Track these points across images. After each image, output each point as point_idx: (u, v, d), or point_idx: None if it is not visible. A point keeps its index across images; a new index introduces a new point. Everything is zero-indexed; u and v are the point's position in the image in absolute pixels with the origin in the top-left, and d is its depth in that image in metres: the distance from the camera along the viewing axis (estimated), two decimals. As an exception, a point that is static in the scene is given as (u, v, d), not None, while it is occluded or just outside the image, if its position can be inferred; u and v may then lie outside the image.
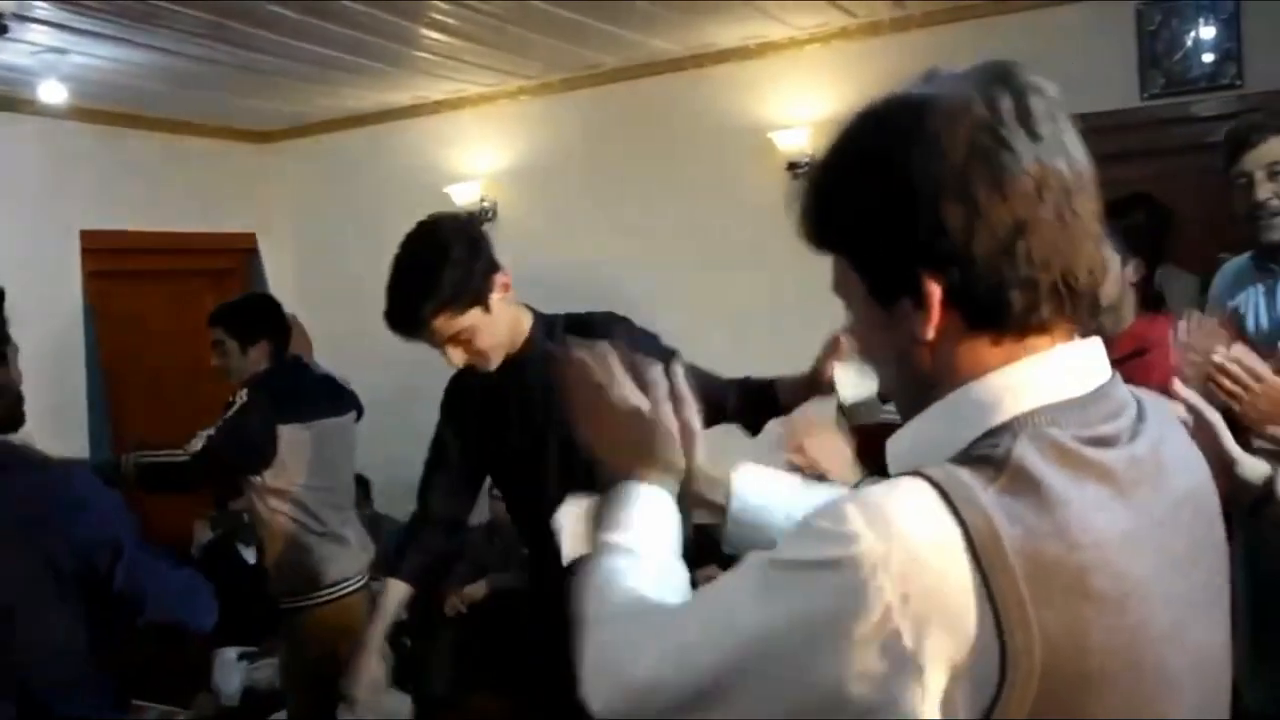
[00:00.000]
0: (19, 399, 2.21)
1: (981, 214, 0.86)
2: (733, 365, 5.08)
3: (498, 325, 2.33)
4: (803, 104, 4.70)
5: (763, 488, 1.30)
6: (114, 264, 4.87)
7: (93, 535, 2.05)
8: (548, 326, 2.48)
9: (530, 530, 2.47)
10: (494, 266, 2.35)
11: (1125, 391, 0.96)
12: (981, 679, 0.81)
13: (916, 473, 0.86)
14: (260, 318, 3.61)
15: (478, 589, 5.10)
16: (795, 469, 1.90)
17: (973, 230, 0.87)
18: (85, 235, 4.74)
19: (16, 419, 2.18)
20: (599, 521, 1.17)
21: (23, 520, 1.99)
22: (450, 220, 2.41)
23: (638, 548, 1.10)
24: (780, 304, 4.90)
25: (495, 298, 2.33)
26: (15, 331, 4.58)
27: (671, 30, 4.45)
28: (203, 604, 2.30)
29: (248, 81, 4.60)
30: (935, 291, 0.89)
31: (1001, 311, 0.89)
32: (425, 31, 4.16)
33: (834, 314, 3.95)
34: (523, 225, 5.35)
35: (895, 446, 0.99)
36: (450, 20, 4.02)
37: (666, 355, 1.90)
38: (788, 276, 4.84)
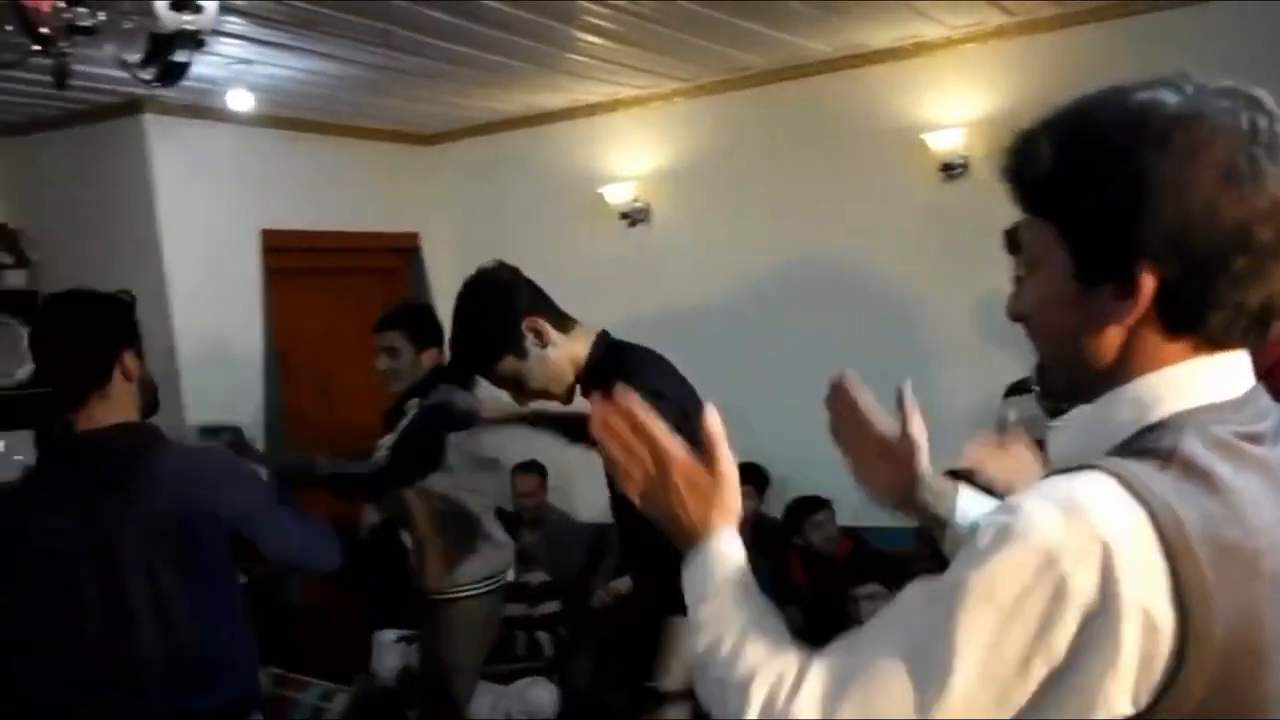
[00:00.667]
0: (155, 389, 2.44)
1: (1217, 224, 0.91)
2: (883, 365, 5.08)
3: (537, 368, 2.45)
4: (958, 104, 4.67)
5: (982, 506, 1.35)
6: (289, 262, 5.13)
7: (237, 507, 2.26)
8: (609, 353, 2.57)
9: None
10: (518, 318, 2.47)
11: (1267, 397, 1.00)
12: (1162, 659, 0.86)
13: (1090, 466, 0.91)
14: (433, 323, 3.70)
15: (623, 583, 5.19)
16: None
17: (1204, 238, 0.91)
18: (265, 234, 5.02)
19: (154, 406, 2.42)
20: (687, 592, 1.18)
21: (174, 497, 2.19)
22: (474, 280, 2.61)
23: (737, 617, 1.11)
24: (932, 304, 4.88)
25: (529, 344, 2.45)
26: (201, 324, 4.93)
27: (824, 31, 4.47)
28: (322, 547, 2.44)
29: (412, 86, 4.79)
30: (1149, 284, 0.93)
31: (1202, 318, 0.94)
32: (581, 35, 4.27)
33: (983, 312, 3.97)
34: (676, 226, 5.44)
35: (1059, 435, 1.04)
36: (605, 24, 4.12)
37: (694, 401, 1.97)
38: (939, 277, 4.82)
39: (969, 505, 1.35)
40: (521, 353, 2.42)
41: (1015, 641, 0.88)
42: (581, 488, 5.80)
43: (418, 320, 3.67)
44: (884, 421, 1.40)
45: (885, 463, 1.38)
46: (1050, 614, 0.87)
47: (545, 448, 3.98)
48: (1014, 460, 1.96)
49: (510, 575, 5.10)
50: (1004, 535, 0.89)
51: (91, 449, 2.23)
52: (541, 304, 2.52)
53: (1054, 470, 0.97)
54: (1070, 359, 1.02)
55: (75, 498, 2.20)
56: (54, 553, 2.19)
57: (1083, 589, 0.86)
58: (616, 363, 2.46)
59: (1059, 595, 0.86)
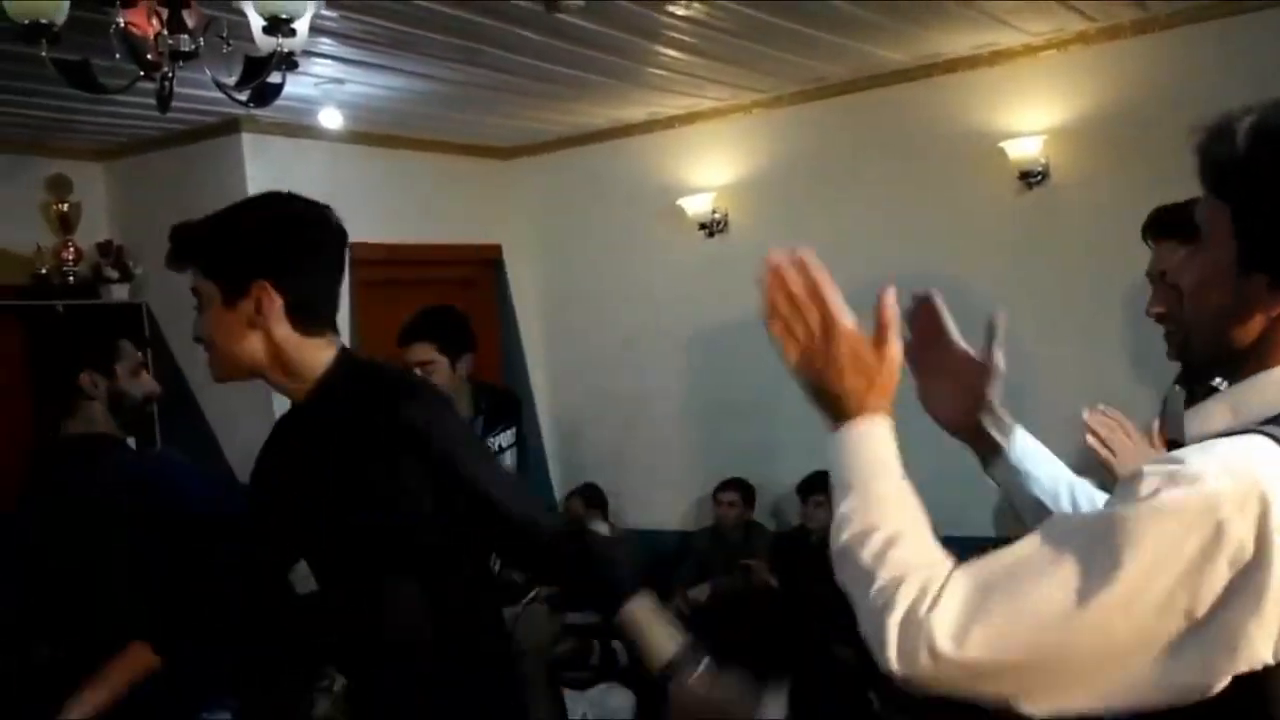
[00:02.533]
0: (135, 402, 2.74)
1: None
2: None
3: (224, 327, 1.95)
4: (1037, 112, 4.64)
5: (1036, 449, 1.42)
6: (377, 274, 5.27)
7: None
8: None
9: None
10: (252, 270, 1.87)
11: None
12: None
13: (1248, 430, 0.98)
14: (461, 326, 3.44)
15: (701, 591, 5.22)
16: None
17: None
18: (354, 247, 5.16)
19: (137, 418, 2.77)
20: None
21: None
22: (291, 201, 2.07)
23: (892, 516, 1.10)
24: (1010, 313, 4.84)
25: (243, 303, 1.89)
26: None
27: (901, 41, 4.48)
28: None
29: (496, 102, 4.90)
30: None
31: None
32: (661, 49, 4.33)
33: (1061, 320, 3.95)
34: (754, 236, 5.47)
35: (1204, 412, 1.10)
36: (685, 38, 4.18)
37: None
38: (1018, 285, 4.79)
39: (1025, 441, 1.41)
40: (231, 302, 1.86)
41: (1164, 579, 0.92)
42: (652, 496, 5.86)
43: (444, 326, 3.37)
44: (963, 343, 1.47)
45: (955, 384, 1.43)
46: (1203, 558, 0.92)
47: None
48: (1127, 440, 2.01)
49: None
50: (1170, 479, 0.94)
51: (47, 456, 2.65)
52: (304, 284, 1.85)
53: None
54: (1214, 336, 1.08)
55: (35, 499, 2.62)
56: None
57: (1238, 537, 0.91)
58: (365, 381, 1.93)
59: (1215, 540, 0.91)
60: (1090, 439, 2.03)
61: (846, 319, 1.18)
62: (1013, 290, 4.81)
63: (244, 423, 4.88)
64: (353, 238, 5.76)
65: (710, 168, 5.55)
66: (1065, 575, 0.95)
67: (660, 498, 5.79)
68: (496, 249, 5.99)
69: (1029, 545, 1.00)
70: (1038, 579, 0.96)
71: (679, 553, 5.52)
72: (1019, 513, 1.40)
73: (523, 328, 6.05)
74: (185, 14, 2.63)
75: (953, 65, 4.79)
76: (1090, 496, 1.38)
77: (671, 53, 4.40)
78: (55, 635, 2.58)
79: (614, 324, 5.91)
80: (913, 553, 1.05)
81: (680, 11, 3.85)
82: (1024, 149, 4.62)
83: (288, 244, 1.85)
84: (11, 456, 4.80)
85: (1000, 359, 1.39)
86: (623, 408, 5.93)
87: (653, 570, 5.52)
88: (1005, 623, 0.96)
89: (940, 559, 1.05)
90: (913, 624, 0.99)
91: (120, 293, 5.01)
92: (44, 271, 4.86)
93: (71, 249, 4.93)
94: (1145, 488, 0.95)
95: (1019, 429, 1.41)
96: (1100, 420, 2.04)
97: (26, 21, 2.48)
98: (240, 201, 1.98)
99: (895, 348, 1.19)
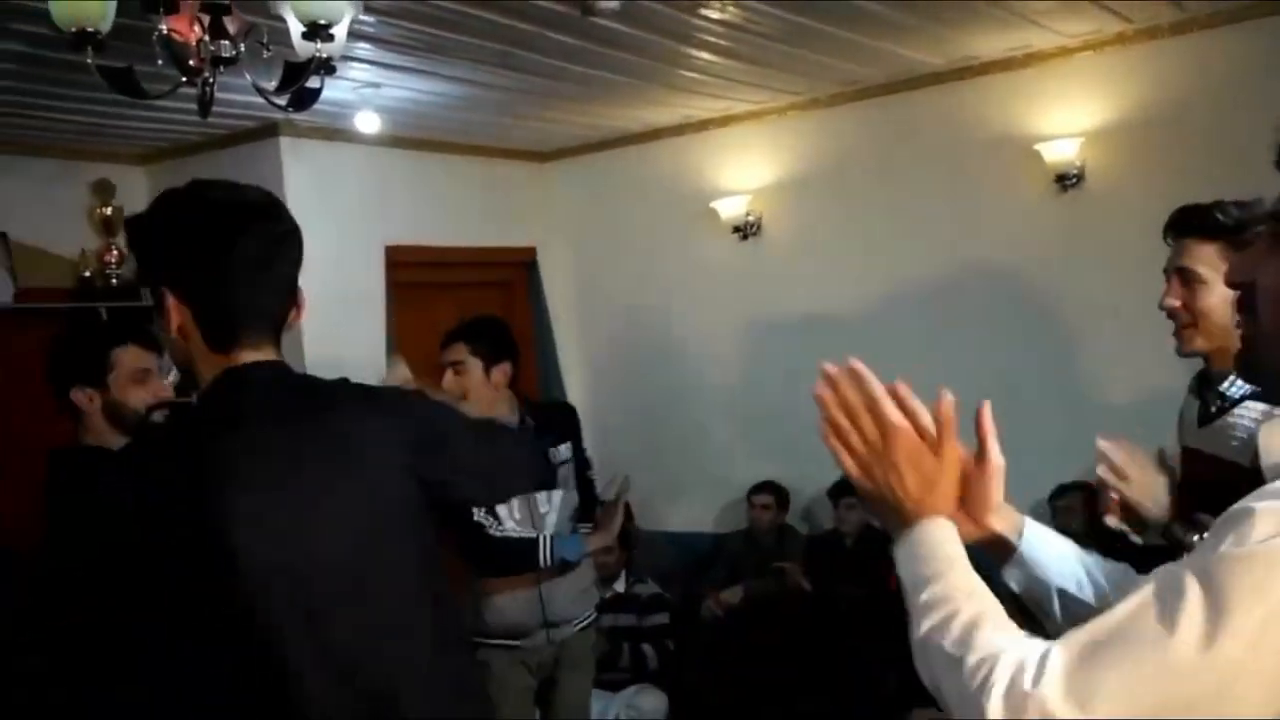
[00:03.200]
0: (131, 413, 2.52)
1: None
2: (994, 377, 5.06)
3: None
4: (1073, 114, 4.62)
5: (1047, 538, 1.35)
6: (412, 276, 5.32)
7: None
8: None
9: None
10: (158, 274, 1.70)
11: None
12: None
13: None
14: (504, 337, 3.41)
15: (734, 594, 5.22)
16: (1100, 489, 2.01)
17: None
18: (390, 249, 5.23)
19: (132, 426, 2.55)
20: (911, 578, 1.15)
21: None
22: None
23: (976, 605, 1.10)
24: (1047, 318, 4.82)
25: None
26: (328, 335, 5.10)
27: (937, 44, 4.47)
28: None
29: (530, 105, 4.93)
30: None
31: None
32: (695, 52, 4.34)
33: (1095, 324, 3.92)
34: (788, 239, 5.48)
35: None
36: (719, 40, 4.18)
37: None
38: (1054, 289, 4.76)
39: (1033, 533, 1.34)
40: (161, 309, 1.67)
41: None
42: (685, 498, 5.87)
43: (481, 331, 3.32)
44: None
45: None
46: None
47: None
48: (1143, 471, 1.99)
49: (620, 587, 5.19)
50: (1270, 519, 0.94)
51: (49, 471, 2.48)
52: (209, 296, 1.64)
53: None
54: None
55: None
56: None
57: None
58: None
59: None
60: (1101, 470, 2.01)
61: (904, 425, 1.20)
62: (1049, 294, 4.80)
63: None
64: (389, 240, 5.86)
65: (744, 171, 5.55)
66: (1187, 623, 0.93)
67: (693, 500, 5.80)
68: (531, 251, 6.02)
69: (1138, 600, 0.98)
70: (1157, 630, 0.95)
71: (712, 555, 5.53)
72: (1039, 604, 1.33)
73: (557, 330, 6.08)
74: (226, 20, 2.66)
75: (987, 68, 4.77)
76: (1105, 571, 1.34)
77: (705, 56, 4.41)
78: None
79: (647, 326, 5.92)
80: (998, 634, 1.05)
81: (714, 15, 3.87)
82: (1059, 151, 4.59)
83: (183, 250, 1.61)
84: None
85: (997, 454, 1.29)
86: (656, 409, 5.95)
87: (686, 571, 5.54)
88: (1129, 678, 0.94)
89: (1026, 637, 1.04)
90: (1017, 698, 0.97)
91: (160, 295, 5.07)
92: (88, 274, 4.94)
93: (114, 252, 5.01)
94: (1260, 531, 0.94)
95: (1027, 521, 1.35)
96: (1112, 448, 2.01)
97: (74, 29, 2.53)
98: (157, 197, 1.70)
99: (954, 449, 1.21)
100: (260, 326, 1.66)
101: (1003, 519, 1.32)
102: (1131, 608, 0.98)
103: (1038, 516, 1.41)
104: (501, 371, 3.31)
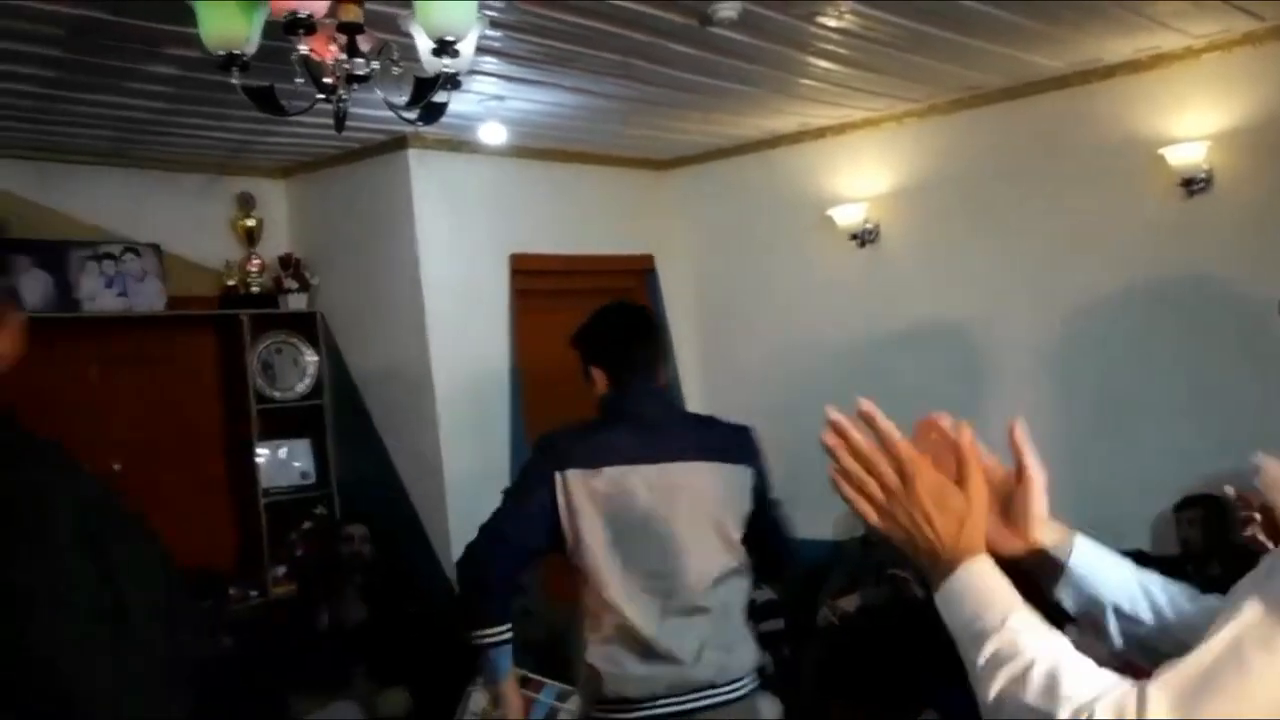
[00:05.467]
0: None
1: None
2: (1118, 390, 4.97)
3: None
4: (1200, 117, 4.52)
5: (1100, 555, 1.29)
6: (534, 283, 5.45)
7: None
8: None
9: None
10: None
11: None
12: None
13: None
14: (595, 333, 2.95)
15: (850, 601, 5.21)
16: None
17: None
18: (513, 258, 5.38)
19: None
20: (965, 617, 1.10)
21: None
22: None
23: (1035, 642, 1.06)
24: (1171, 326, 4.71)
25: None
26: (453, 342, 5.24)
27: (1058, 47, 4.42)
28: None
29: (650, 115, 5.02)
30: None
31: None
32: (814, 61, 4.37)
33: (1224, 331, 3.88)
34: (906, 247, 5.46)
35: None
36: (837, 48, 4.21)
37: None
38: (1179, 295, 4.65)
39: (1085, 551, 1.28)
40: None
41: None
42: (804, 505, 5.86)
43: (581, 331, 2.91)
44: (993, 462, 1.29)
45: (996, 507, 1.26)
46: None
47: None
48: None
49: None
50: None
51: None
52: None
53: None
54: None
55: None
56: None
57: None
58: None
59: None
60: (1260, 482, 1.94)
61: (924, 463, 1.13)
62: (1172, 301, 4.68)
63: (408, 427, 5.14)
64: (511, 249, 6.01)
65: (861, 178, 5.55)
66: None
67: (812, 507, 5.77)
68: (649, 259, 6.10)
69: (1235, 630, 0.96)
70: (1263, 660, 0.93)
71: (829, 562, 5.53)
72: (1094, 623, 1.27)
73: (675, 338, 6.16)
74: (360, 39, 2.81)
75: (1111, 71, 4.69)
76: (1168, 591, 1.29)
77: (823, 64, 4.43)
78: None
79: (765, 334, 5.96)
80: (1082, 681, 1.00)
81: (832, 22, 3.90)
82: (1186, 155, 4.49)
83: None
84: (205, 450, 5.19)
85: (1036, 467, 1.25)
86: (774, 417, 5.92)
87: (803, 578, 5.54)
88: (1239, 712, 0.93)
89: (1112, 679, 1.00)
90: None
91: (298, 302, 5.33)
92: (232, 283, 5.22)
93: (256, 262, 5.27)
94: None
95: (1078, 537, 1.28)
96: (1276, 463, 1.94)
97: (222, 52, 2.71)
98: None
99: (979, 482, 1.14)
100: None
101: (1050, 534, 1.27)
102: (1229, 638, 0.95)
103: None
104: (597, 377, 2.83)
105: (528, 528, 2.61)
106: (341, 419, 5.42)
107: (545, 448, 2.71)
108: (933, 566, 1.13)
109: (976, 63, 4.55)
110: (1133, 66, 4.65)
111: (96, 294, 4.70)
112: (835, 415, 1.17)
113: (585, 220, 5.74)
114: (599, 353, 2.82)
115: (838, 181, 5.62)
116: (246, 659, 4.39)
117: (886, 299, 5.51)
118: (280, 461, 5.31)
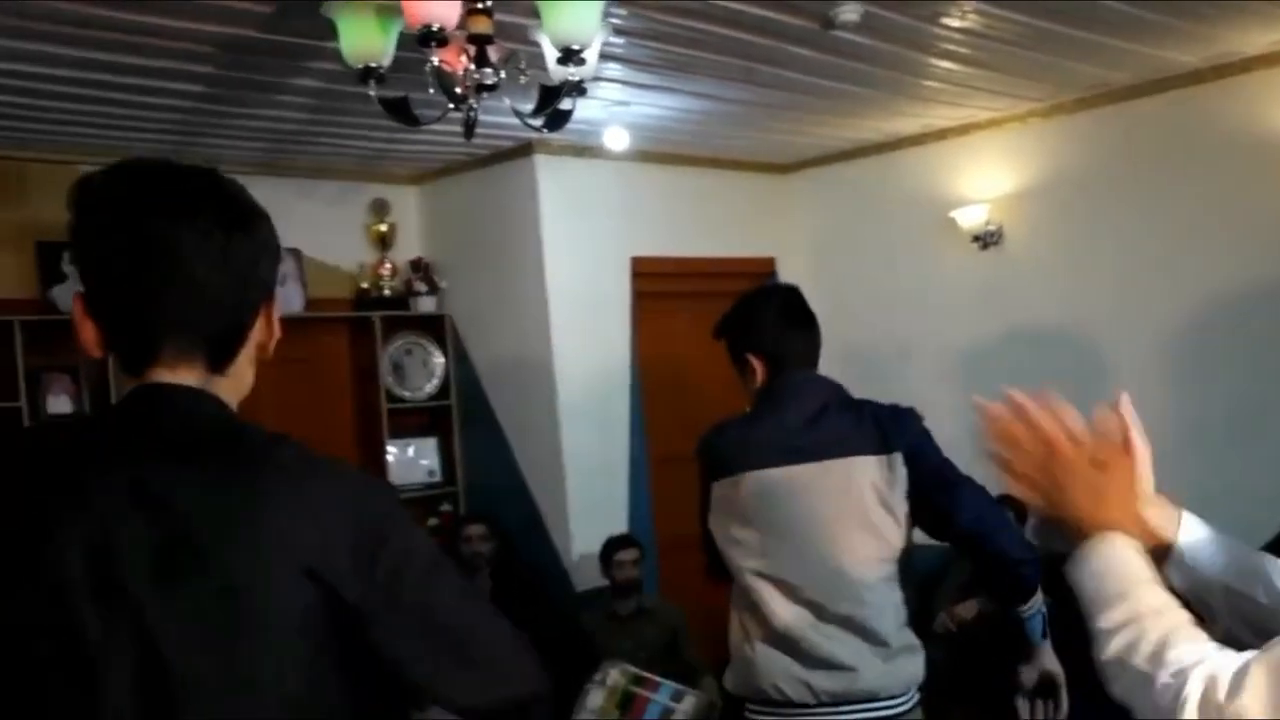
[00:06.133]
0: None
1: None
2: (1250, 389, 4.84)
3: None
4: (1345, 110, 4.35)
5: (1209, 534, 1.29)
6: (656, 286, 5.53)
7: None
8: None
9: None
10: None
11: None
12: None
13: None
14: (741, 318, 2.78)
15: (968, 609, 5.15)
16: None
17: None
18: (636, 261, 5.47)
19: None
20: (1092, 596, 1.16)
21: None
22: None
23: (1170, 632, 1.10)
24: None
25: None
26: (577, 342, 5.35)
27: (1191, 42, 4.31)
28: None
29: (771, 118, 5.04)
30: None
31: None
32: (935, 61, 4.35)
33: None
34: (1030, 249, 5.37)
35: None
36: (960, 48, 4.18)
37: None
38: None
39: (1194, 530, 1.28)
40: None
41: None
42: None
43: (729, 318, 2.74)
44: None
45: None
46: None
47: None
48: None
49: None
50: None
51: None
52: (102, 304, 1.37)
53: None
54: None
55: None
56: None
57: None
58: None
59: None
60: None
61: (1069, 444, 1.22)
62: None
63: (532, 427, 5.27)
64: (634, 252, 6.10)
65: (984, 179, 5.48)
66: None
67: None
68: (770, 262, 6.12)
69: None
70: None
71: (943, 566, 5.46)
72: (1203, 602, 1.26)
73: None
74: (489, 49, 2.92)
75: (1248, 65, 4.54)
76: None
77: (946, 64, 4.40)
78: None
79: (887, 336, 5.92)
80: (1188, 650, 1.05)
81: (955, 23, 3.88)
82: (1332, 151, 4.33)
83: (75, 247, 1.28)
84: (338, 447, 5.40)
85: (1140, 441, 1.27)
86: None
87: (920, 585, 5.48)
88: None
89: (1216, 650, 1.05)
90: (1211, 711, 0.99)
91: (428, 305, 5.51)
92: (365, 286, 5.43)
93: (388, 265, 5.47)
94: None
95: (1184, 515, 1.29)
96: None
97: (360, 65, 2.85)
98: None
99: (1121, 460, 1.23)
100: (152, 344, 1.26)
101: (1157, 511, 1.28)
102: None
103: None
104: (746, 372, 2.66)
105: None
106: (468, 419, 5.58)
107: (701, 455, 2.64)
108: (1073, 536, 1.22)
109: (1105, 60, 4.46)
110: (1272, 59, 4.49)
111: (241, 297, 4.93)
112: (982, 402, 1.28)
113: (706, 223, 5.79)
114: (756, 338, 2.64)
115: (960, 183, 5.56)
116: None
117: (1009, 301, 5.43)
118: (409, 460, 5.49)
